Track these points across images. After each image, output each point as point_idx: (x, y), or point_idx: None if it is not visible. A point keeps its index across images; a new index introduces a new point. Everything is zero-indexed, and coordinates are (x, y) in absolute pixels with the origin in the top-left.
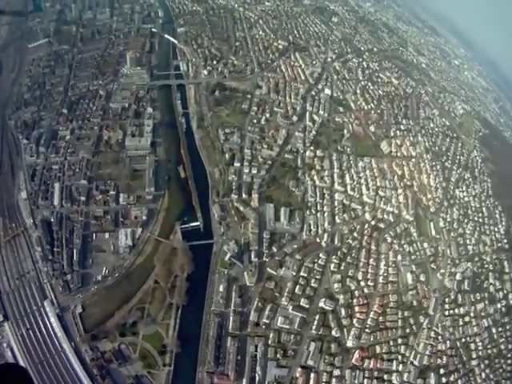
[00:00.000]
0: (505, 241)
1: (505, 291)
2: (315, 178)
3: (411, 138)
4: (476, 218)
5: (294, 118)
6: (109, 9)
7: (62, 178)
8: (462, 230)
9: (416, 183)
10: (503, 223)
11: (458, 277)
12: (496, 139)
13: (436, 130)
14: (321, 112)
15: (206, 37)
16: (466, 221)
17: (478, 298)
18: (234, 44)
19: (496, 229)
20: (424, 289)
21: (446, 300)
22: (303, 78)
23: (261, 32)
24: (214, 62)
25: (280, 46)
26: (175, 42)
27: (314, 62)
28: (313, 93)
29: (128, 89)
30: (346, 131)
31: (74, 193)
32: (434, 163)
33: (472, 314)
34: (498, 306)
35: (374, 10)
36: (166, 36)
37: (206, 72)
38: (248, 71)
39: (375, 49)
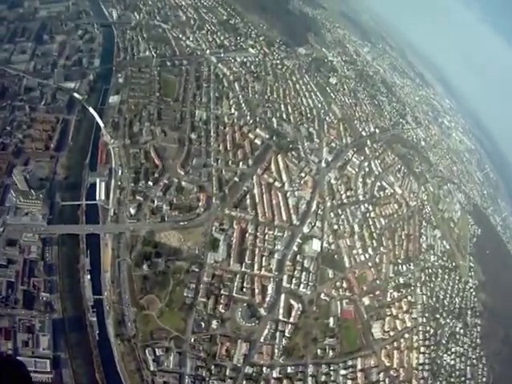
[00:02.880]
0: None
1: None
2: None
3: (409, 297)
4: None
5: (263, 312)
6: (32, 43)
7: None
8: None
9: (404, 371)
10: (484, 379)
11: None
12: (488, 241)
13: (436, 264)
14: (302, 289)
15: (148, 119)
16: None
17: None
18: (188, 136)
19: None
20: None
21: None
22: (285, 216)
23: (233, 109)
24: (150, 183)
25: (257, 141)
26: (101, 124)
27: (303, 175)
28: (295, 247)
29: (15, 242)
30: (331, 320)
31: None
32: (427, 327)
33: None
34: None
35: (371, 58)
36: (91, 111)
37: (132, 210)
38: (200, 206)
39: (377, 130)
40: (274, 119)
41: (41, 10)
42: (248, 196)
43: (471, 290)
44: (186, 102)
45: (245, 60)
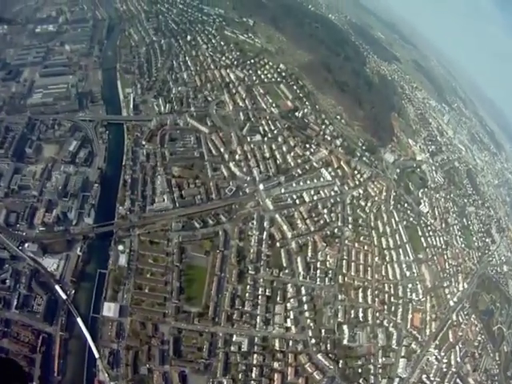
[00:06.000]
0: None
1: None
2: None
3: None
4: None
5: None
6: (10, 163)
7: None
8: None
9: None
10: None
11: None
12: None
13: None
14: None
15: (161, 357)
16: None
17: None
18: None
19: None
20: None
21: None
22: None
23: (290, 322)
24: None
25: (317, 375)
26: (95, 353)
27: None
28: None
29: None
30: None
31: None
32: None
33: None
34: None
35: (452, 133)
36: (81, 326)
37: None
38: None
39: (465, 285)
40: (345, 327)
41: (36, 92)
42: None
43: None
44: (218, 315)
45: (315, 197)
